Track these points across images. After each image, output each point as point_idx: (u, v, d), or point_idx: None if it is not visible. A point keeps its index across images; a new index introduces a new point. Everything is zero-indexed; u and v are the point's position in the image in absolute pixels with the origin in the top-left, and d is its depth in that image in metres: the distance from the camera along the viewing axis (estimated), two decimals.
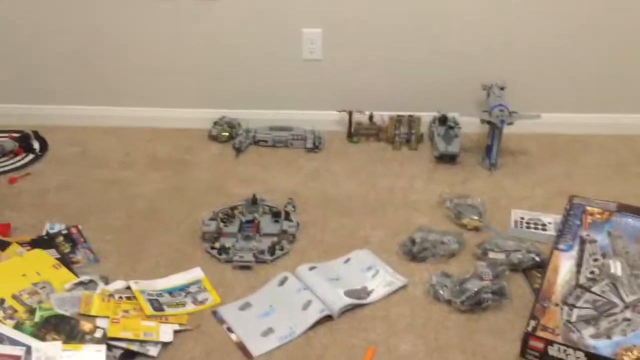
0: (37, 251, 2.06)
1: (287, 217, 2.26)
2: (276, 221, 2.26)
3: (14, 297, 1.85)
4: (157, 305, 1.91)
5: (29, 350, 1.65)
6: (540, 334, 1.72)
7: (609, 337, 1.70)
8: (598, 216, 2.08)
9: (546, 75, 2.77)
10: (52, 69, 2.83)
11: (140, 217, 2.33)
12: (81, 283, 1.95)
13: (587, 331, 1.72)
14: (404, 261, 2.12)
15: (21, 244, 2.10)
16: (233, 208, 2.31)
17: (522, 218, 2.29)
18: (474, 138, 2.80)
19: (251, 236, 2.19)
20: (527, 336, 1.73)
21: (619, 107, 2.84)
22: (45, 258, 2.04)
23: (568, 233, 2.03)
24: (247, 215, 2.29)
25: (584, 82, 2.79)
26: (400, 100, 2.81)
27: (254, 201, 2.32)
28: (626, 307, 1.78)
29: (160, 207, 2.39)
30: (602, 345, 1.68)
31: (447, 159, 2.65)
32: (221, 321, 1.89)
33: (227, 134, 2.80)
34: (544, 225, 2.25)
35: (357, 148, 2.79)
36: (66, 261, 2.06)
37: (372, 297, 1.96)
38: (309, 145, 2.75)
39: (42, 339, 1.72)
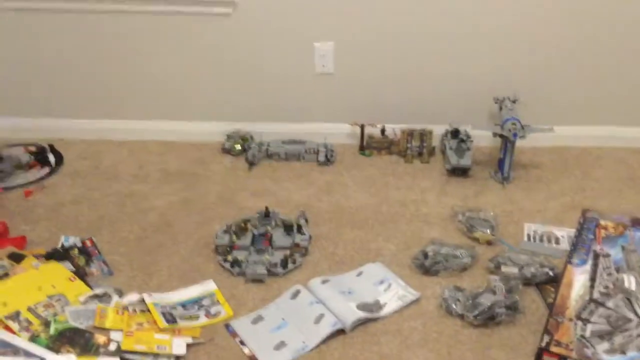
0: (52, 264, 2.08)
1: (300, 230, 2.27)
2: (288, 234, 2.27)
3: (30, 309, 1.87)
4: (171, 318, 1.92)
5: None
6: (554, 349, 1.71)
7: (623, 352, 1.69)
8: (612, 230, 2.07)
9: (558, 88, 2.77)
10: (68, 84, 2.86)
11: (153, 230, 2.35)
12: (96, 296, 1.97)
13: (602, 346, 1.71)
14: (416, 275, 2.12)
15: (36, 256, 2.12)
16: (246, 221, 2.32)
17: (535, 232, 2.28)
18: (486, 151, 2.79)
19: (264, 249, 2.20)
20: (541, 351, 1.72)
21: (631, 120, 2.82)
22: (61, 271, 2.05)
23: (581, 247, 2.02)
24: (260, 228, 2.30)
25: (596, 94, 2.78)
26: (412, 113, 2.82)
27: (266, 214, 2.33)
28: None
29: (173, 220, 2.40)
30: None
31: (459, 172, 2.65)
32: (234, 334, 1.90)
33: (240, 147, 2.81)
34: (557, 239, 2.24)
35: (369, 161, 2.79)
36: (81, 274, 2.08)
37: (384, 311, 1.96)
38: (321, 158, 2.75)
39: (57, 351, 1.74)
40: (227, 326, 1.93)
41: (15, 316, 1.84)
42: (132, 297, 1.98)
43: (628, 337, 1.73)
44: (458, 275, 2.10)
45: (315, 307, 1.95)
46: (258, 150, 2.78)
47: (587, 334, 1.74)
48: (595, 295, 1.85)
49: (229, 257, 2.16)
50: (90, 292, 1.98)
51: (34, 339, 1.78)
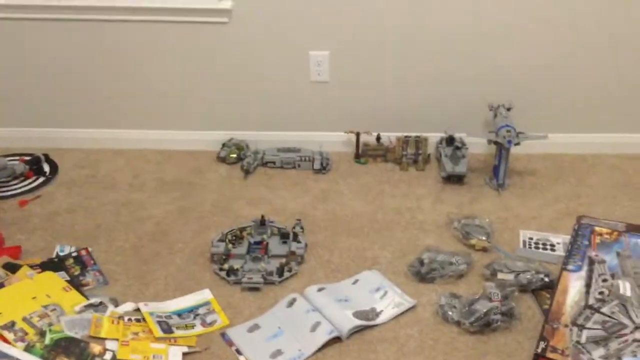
0: (47, 274, 2.08)
1: (296, 238, 2.27)
2: (284, 242, 2.27)
3: (25, 319, 1.86)
4: (166, 328, 1.91)
5: None
6: (550, 355, 1.71)
7: (619, 358, 1.69)
8: (607, 236, 2.08)
9: (553, 96, 2.78)
10: (63, 93, 2.87)
11: (149, 239, 2.34)
12: (91, 305, 1.97)
13: (597, 352, 1.71)
14: (412, 282, 2.12)
15: (31, 266, 2.11)
16: (241, 229, 2.32)
17: (531, 238, 2.29)
18: (481, 158, 2.80)
19: (260, 257, 2.20)
20: (537, 357, 1.73)
21: (626, 127, 2.84)
22: (56, 280, 2.05)
23: (577, 253, 2.02)
24: (256, 237, 2.30)
25: (590, 102, 2.79)
26: (408, 121, 2.83)
27: (262, 222, 2.34)
28: (636, 328, 1.77)
29: (169, 229, 2.40)
30: None
31: (455, 179, 2.66)
32: (230, 343, 1.89)
33: (236, 155, 2.82)
34: (552, 245, 2.25)
35: (364, 169, 2.80)
36: (76, 283, 2.08)
37: (380, 318, 1.96)
38: (317, 166, 2.76)
39: None
40: (223, 335, 1.92)
41: (11, 326, 1.83)
42: (127, 306, 1.98)
43: (623, 343, 1.73)
44: (454, 282, 2.10)
45: (311, 315, 1.94)
46: (253, 158, 2.79)
47: (583, 339, 1.74)
48: (591, 301, 1.86)
49: (225, 266, 2.16)
50: (86, 302, 1.97)
51: (29, 349, 1.77)
